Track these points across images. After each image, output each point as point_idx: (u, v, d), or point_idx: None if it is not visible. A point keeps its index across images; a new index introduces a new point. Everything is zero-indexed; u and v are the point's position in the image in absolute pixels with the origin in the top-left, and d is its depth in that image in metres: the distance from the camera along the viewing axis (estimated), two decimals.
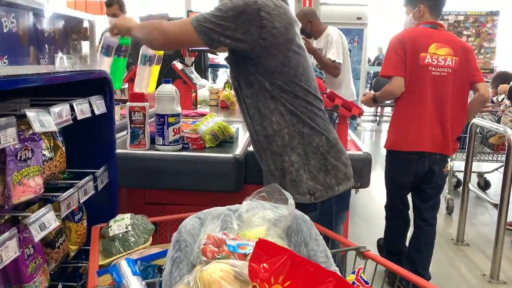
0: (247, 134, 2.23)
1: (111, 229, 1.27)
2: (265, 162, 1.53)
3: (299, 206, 1.19)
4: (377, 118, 10.00)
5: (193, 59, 3.60)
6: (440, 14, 2.60)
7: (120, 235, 1.25)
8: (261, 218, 0.95)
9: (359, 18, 7.42)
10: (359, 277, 0.89)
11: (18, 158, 1.04)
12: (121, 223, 1.29)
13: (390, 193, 2.75)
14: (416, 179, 2.55)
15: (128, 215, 1.33)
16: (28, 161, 1.07)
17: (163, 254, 1.08)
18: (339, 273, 0.94)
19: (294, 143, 1.45)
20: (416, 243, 2.67)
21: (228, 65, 1.56)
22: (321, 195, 1.46)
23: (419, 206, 2.69)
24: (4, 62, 0.99)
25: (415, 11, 2.53)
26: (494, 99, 4.43)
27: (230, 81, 1.59)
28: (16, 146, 1.03)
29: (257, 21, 1.33)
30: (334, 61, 3.63)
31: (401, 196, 2.72)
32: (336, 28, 3.88)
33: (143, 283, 0.89)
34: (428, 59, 2.38)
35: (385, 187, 2.70)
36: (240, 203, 1.03)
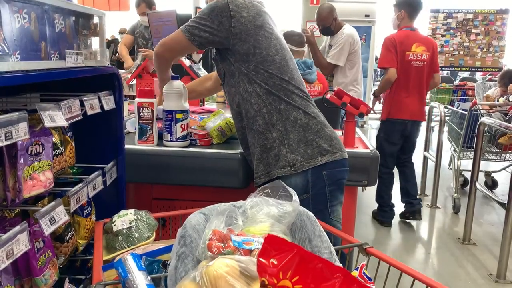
0: None
1: (115, 225, 1.29)
2: (251, 145, 1.62)
3: (288, 184, 1.25)
4: None
5: (201, 56, 3.61)
6: (414, 19, 3.73)
7: (124, 230, 1.27)
8: (265, 214, 0.96)
9: (367, 16, 7.39)
10: (362, 274, 0.90)
11: (29, 152, 1.06)
12: (124, 219, 1.30)
13: (385, 154, 3.60)
14: (403, 139, 3.67)
15: (132, 210, 1.35)
16: (39, 155, 1.09)
17: (168, 249, 1.10)
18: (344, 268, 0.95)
19: (273, 120, 1.55)
20: (404, 175, 3.81)
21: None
22: (301, 165, 1.51)
23: (403, 156, 3.78)
24: (17, 57, 1.01)
25: (398, 14, 3.62)
26: (501, 99, 4.39)
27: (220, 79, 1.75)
28: (27, 141, 1.04)
29: (226, 12, 1.52)
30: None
31: (392, 154, 3.70)
32: (352, 27, 3.92)
33: (149, 278, 0.90)
34: (411, 56, 3.52)
35: (379, 150, 2.80)
36: (246, 199, 1.04)
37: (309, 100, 1.63)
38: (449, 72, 10.36)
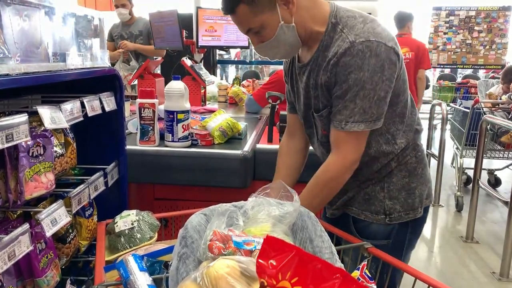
0: (256, 130, 2.25)
1: (117, 225, 1.29)
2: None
3: (368, 226, 1.22)
4: None
5: (202, 56, 3.61)
6: (403, 28, 4.86)
7: (126, 231, 1.27)
8: (266, 214, 0.96)
9: (369, 13, 7.37)
10: (363, 273, 0.90)
11: (30, 154, 1.06)
12: (126, 219, 1.31)
13: None
14: None
15: (134, 211, 1.35)
16: (40, 157, 1.09)
17: (169, 250, 1.10)
18: (344, 269, 0.95)
19: None
20: None
21: None
22: (399, 216, 1.33)
23: None
24: (17, 60, 1.01)
25: None
26: (504, 97, 4.38)
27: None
28: (28, 143, 1.05)
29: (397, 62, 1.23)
30: None
31: None
32: None
33: (150, 279, 0.90)
34: None
35: None
36: (247, 199, 1.04)
37: None
38: (449, 69, 10.33)
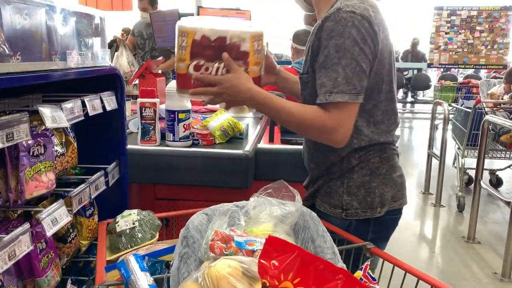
0: (257, 130, 2.24)
1: (118, 225, 1.29)
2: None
3: (326, 219, 1.20)
4: None
5: None
6: None
7: (127, 230, 1.27)
8: (268, 214, 0.96)
9: None
10: (366, 274, 0.89)
11: (31, 153, 1.05)
12: (128, 219, 1.30)
13: None
14: None
15: (135, 211, 1.34)
16: (41, 156, 1.09)
17: (170, 250, 1.09)
18: (345, 269, 0.95)
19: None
20: None
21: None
22: (355, 213, 1.33)
23: None
24: (17, 59, 1.00)
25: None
26: (506, 96, 4.37)
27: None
28: (29, 142, 1.04)
29: (375, 38, 1.21)
30: None
31: None
32: None
33: (151, 279, 0.90)
34: None
35: None
36: (249, 199, 1.04)
37: None
38: (456, 69, 10.36)
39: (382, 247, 1.36)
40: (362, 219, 1.33)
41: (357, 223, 1.33)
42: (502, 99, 4.42)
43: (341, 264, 0.94)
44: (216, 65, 1.23)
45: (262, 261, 0.65)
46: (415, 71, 10.39)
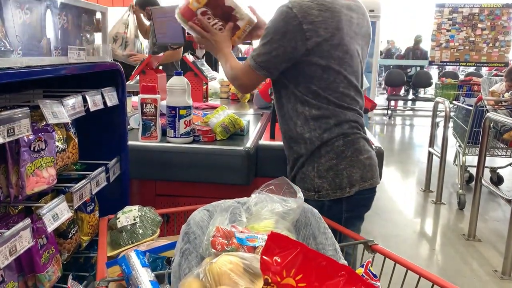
0: (258, 127, 2.24)
1: (119, 221, 1.29)
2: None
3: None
4: (389, 111, 9.92)
5: (204, 51, 3.60)
6: None
7: (128, 226, 1.27)
8: (269, 211, 0.95)
9: (371, 11, 7.35)
10: (367, 271, 0.89)
11: (32, 149, 1.05)
12: (129, 215, 1.30)
13: None
14: None
15: (136, 207, 1.34)
16: (42, 152, 1.08)
17: (171, 246, 1.09)
18: (348, 266, 0.94)
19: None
20: None
21: None
22: (326, 194, 1.46)
23: None
24: (18, 53, 1.00)
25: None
26: (507, 94, 4.36)
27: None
28: (30, 137, 1.04)
29: (301, 35, 1.39)
30: None
31: None
32: None
33: (152, 274, 0.90)
34: None
35: None
36: (250, 196, 1.03)
37: None
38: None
39: (357, 225, 1.58)
40: (334, 199, 1.46)
41: (329, 204, 1.46)
42: (503, 97, 4.41)
43: (342, 261, 0.94)
44: (216, 21, 1.59)
45: (264, 257, 0.65)
46: (418, 69, 10.37)
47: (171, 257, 1.00)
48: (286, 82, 1.50)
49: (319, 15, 1.39)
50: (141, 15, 4.46)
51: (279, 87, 1.54)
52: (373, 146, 1.62)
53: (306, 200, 1.39)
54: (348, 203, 1.46)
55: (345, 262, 0.95)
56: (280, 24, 1.40)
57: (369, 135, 2.31)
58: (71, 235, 1.33)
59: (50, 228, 1.06)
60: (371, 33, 1.65)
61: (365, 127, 1.59)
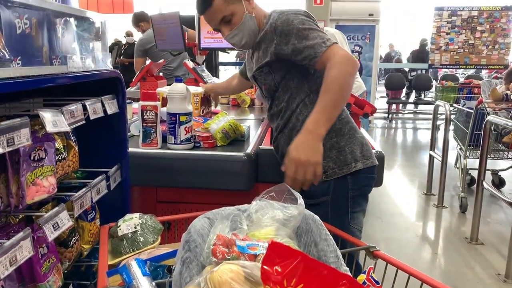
0: (258, 132, 2.24)
1: (120, 229, 1.28)
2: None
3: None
4: (390, 115, 9.92)
5: (204, 57, 3.60)
6: None
7: (129, 234, 1.26)
8: (270, 218, 0.95)
9: (371, 15, 7.37)
10: (369, 277, 0.89)
11: (32, 158, 1.05)
12: (129, 223, 1.30)
13: None
14: None
15: (137, 214, 1.34)
16: (42, 161, 1.08)
17: (172, 254, 1.09)
18: (349, 273, 0.94)
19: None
20: None
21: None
22: (333, 172, 1.49)
23: None
24: (18, 63, 1.00)
25: None
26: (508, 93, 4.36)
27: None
28: (30, 147, 1.04)
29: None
30: None
31: None
32: (332, 29, 3.84)
33: (153, 283, 0.89)
34: None
35: None
36: (251, 201, 1.03)
37: None
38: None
39: (363, 206, 1.59)
40: (340, 177, 1.49)
41: (335, 183, 1.50)
42: (505, 96, 4.40)
43: (344, 268, 0.93)
44: None
45: (265, 266, 0.65)
46: (424, 71, 10.37)
47: (172, 266, 0.99)
48: (302, 72, 1.53)
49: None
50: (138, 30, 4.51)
51: (289, 82, 1.56)
52: None
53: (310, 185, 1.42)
54: (353, 180, 1.50)
55: (347, 269, 0.95)
56: (290, 14, 1.47)
57: (369, 138, 2.31)
58: (72, 243, 1.33)
59: (51, 237, 1.06)
60: None
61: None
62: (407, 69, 11.12)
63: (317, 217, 1.02)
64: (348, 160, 1.50)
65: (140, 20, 4.59)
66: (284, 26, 1.45)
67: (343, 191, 1.50)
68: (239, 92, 2.75)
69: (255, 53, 1.65)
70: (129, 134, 1.86)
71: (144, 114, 1.83)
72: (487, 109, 4.12)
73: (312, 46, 1.41)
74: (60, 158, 1.23)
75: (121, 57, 8.49)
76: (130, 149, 1.65)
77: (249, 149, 1.87)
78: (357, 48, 7.64)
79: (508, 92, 4.31)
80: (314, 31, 1.44)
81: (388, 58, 12.86)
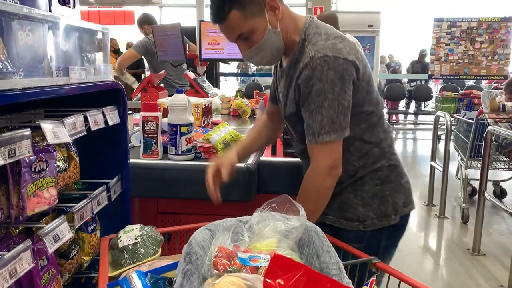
0: None
1: (121, 240, 1.27)
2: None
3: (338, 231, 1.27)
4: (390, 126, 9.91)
5: (205, 68, 3.62)
6: None
7: (130, 246, 1.25)
8: (272, 229, 0.94)
9: (370, 26, 7.41)
10: None
11: (33, 169, 1.05)
12: (130, 234, 1.29)
13: None
14: None
15: (138, 226, 1.33)
16: (43, 172, 1.08)
17: (173, 266, 1.08)
18: (352, 285, 0.93)
19: None
20: None
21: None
22: (372, 223, 1.37)
23: None
24: (20, 75, 1.00)
25: None
26: (508, 104, 4.36)
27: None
28: (31, 158, 1.03)
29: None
30: None
31: None
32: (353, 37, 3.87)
33: None
34: None
35: None
36: (252, 212, 1.02)
37: None
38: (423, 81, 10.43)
39: (392, 253, 1.47)
40: (378, 228, 1.37)
41: (371, 233, 1.38)
42: (502, 106, 4.41)
43: (346, 280, 0.92)
44: None
45: (267, 280, 0.64)
46: (423, 82, 10.40)
47: (173, 278, 0.98)
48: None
49: (345, 46, 1.29)
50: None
51: None
52: None
53: (342, 230, 1.36)
54: (389, 230, 1.40)
55: (349, 281, 0.94)
56: (329, 73, 1.23)
57: None
58: (72, 255, 1.32)
59: (51, 249, 1.05)
60: None
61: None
62: (406, 80, 11.15)
63: (319, 229, 1.01)
64: (389, 212, 1.38)
65: (144, 22, 4.60)
66: (308, 79, 1.26)
67: (377, 240, 1.39)
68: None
69: (281, 80, 1.44)
70: (129, 145, 1.85)
71: (145, 125, 1.83)
72: (488, 119, 4.12)
73: (309, 127, 1.29)
74: (61, 169, 1.23)
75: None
76: (131, 160, 1.65)
77: (250, 160, 1.86)
78: None
79: (505, 102, 4.32)
80: (326, 108, 1.24)
81: (390, 68, 12.91)
